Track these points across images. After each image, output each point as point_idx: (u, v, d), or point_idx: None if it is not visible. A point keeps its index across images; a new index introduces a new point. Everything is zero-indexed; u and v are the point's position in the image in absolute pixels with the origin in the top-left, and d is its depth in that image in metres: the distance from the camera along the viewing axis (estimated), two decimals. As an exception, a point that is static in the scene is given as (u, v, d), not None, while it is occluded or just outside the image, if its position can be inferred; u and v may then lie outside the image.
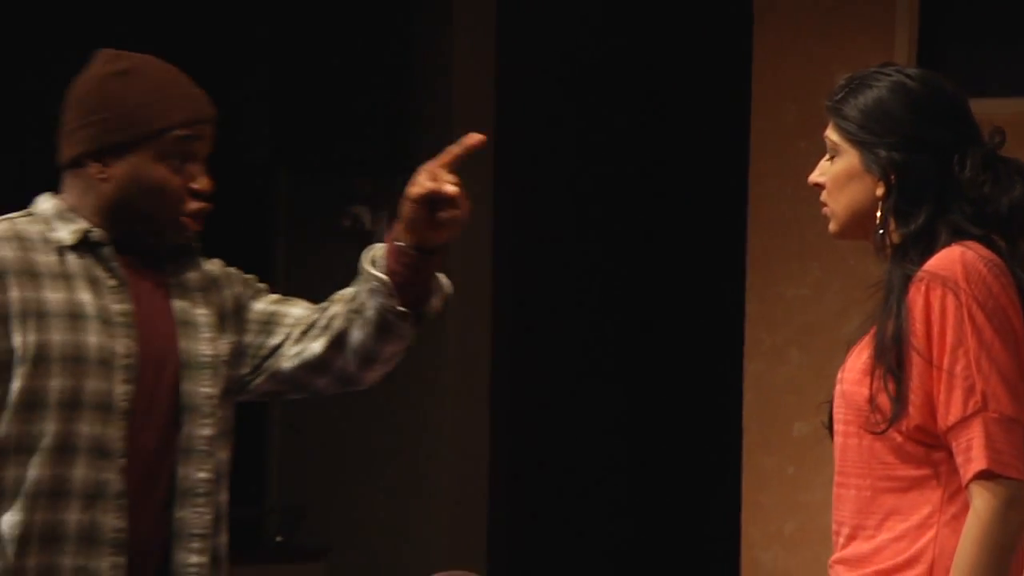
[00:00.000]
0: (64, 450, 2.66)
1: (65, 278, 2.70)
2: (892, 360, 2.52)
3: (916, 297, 2.52)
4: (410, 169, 6.13)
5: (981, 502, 2.47)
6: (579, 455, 7.16)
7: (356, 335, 2.87)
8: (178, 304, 2.82)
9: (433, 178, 2.81)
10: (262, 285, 2.99)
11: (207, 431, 2.82)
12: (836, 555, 2.64)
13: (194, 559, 2.79)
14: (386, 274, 2.84)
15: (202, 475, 2.82)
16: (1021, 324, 2.55)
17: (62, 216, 2.74)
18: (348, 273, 6.62)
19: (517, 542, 6.57)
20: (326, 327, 2.92)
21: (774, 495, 5.41)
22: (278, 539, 6.40)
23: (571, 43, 7.09)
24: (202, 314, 2.84)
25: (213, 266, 2.94)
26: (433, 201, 2.81)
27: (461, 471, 6.26)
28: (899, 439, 2.54)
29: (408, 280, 2.83)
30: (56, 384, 2.66)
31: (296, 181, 6.43)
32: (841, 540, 2.63)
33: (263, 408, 6.45)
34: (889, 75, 2.63)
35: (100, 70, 2.79)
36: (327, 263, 6.36)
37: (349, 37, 6.01)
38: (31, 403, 2.65)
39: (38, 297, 2.67)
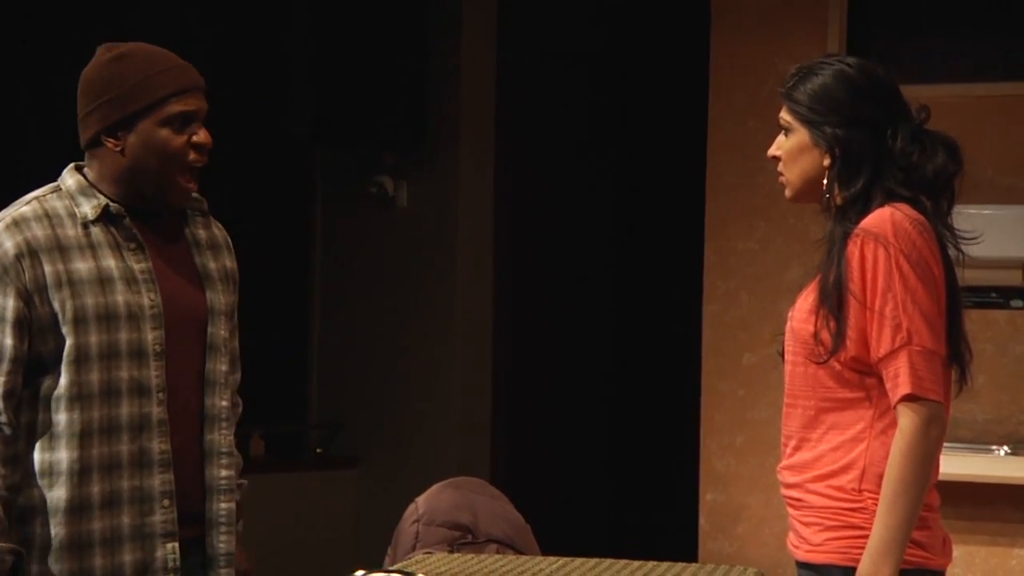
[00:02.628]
0: (110, 393, 2.65)
1: (91, 248, 2.68)
2: (834, 303, 2.54)
3: (853, 250, 2.53)
4: (427, 143, 6.20)
5: (906, 420, 2.49)
6: (567, 378, 7.18)
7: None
8: (198, 259, 2.81)
9: None
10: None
11: (224, 367, 2.81)
12: (784, 462, 2.66)
13: (223, 473, 2.78)
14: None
15: (224, 403, 2.80)
16: (941, 272, 2.57)
17: (84, 192, 2.72)
18: (374, 234, 6.67)
19: (514, 454, 6.60)
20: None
21: (727, 413, 5.43)
22: (318, 450, 6.42)
23: (564, 36, 7.08)
24: (216, 268, 2.84)
25: (219, 231, 2.91)
26: None
27: (469, 396, 6.28)
28: (838, 367, 2.56)
29: None
30: (95, 340, 2.64)
31: (330, 155, 6.42)
32: (788, 450, 2.65)
33: (307, 343, 6.46)
34: (832, 64, 2.64)
35: (99, 60, 2.76)
36: (356, 225, 6.37)
37: (377, 32, 5.99)
38: (78, 358, 2.63)
39: (68, 268, 2.65)
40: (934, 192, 2.60)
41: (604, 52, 7.41)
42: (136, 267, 2.70)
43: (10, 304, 2.61)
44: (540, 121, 6.87)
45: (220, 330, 2.80)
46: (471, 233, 6.27)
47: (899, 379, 2.49)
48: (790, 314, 2.65)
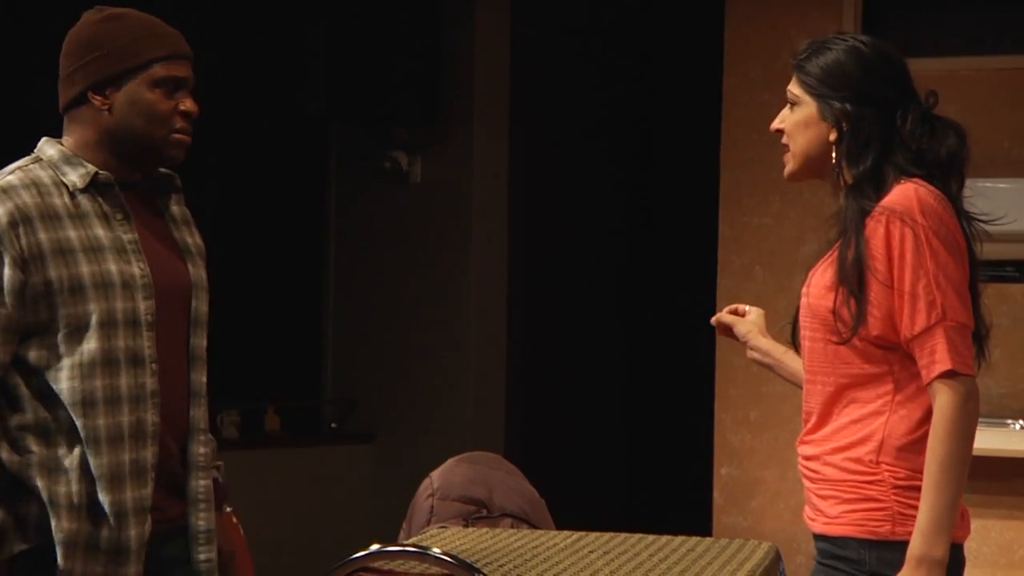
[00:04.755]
0: (110, 363, 2.62)
1: (80, 217, 2.64)
2: (854, 282, 2.52)
3: (876, 228, 2.51)
4: (442, 119, 6.19)
5: (945, 398, 2.47)
6: (582, 353, 7.19)
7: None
8: (176, 233, 2.79)
9: None
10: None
11: (204, 342, 2.79)
12: (804, 437, 2.65)
13: (202, 450, 2.76)
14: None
15: (203, 378, 2.78)
16: (966, 243, 2.56)
17: (68, 161, 2.68)
18: (389, 210, 6.66)
19: (529, 429, 6.61)
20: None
21: (741, 387, 5.42)
22: (333, 426, 6.43)
23: (578, 10, 7.07)
24: (194, 244, 2.82)
25: (187, 210, 2.87)
26: None
27: (484, 371, 6.29)
28: (859, 344, 2.55)
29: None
30: (93, 308, 2.61)
31: (346, 130, 6.42)
32: (808, 425, 2.64)
33: (322, 318, 6.47)
34: (846, 40, 2.62)
35: (88, 19, 2.73)
36: (371, 200, 6.37)
37: (392, 7, 5.98)
38: (77, 326, 2.60)
39: (61, 236, 2.62)
40: (946, 174, 2.59)
41: (619, 26, 7.39)
42: (124, 237, 2.68)
43: (5, 272, 2.58)
44: (554, 95, 6.86)
45: (203, 304, 2.78)
46: (485, 208, 6.26)
47: (936, 355, 2.47)
48: (805, 290, 2.64)
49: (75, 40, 2.71)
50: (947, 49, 5.25)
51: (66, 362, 2.60)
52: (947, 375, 2.47)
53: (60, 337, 2.61)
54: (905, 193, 2.52)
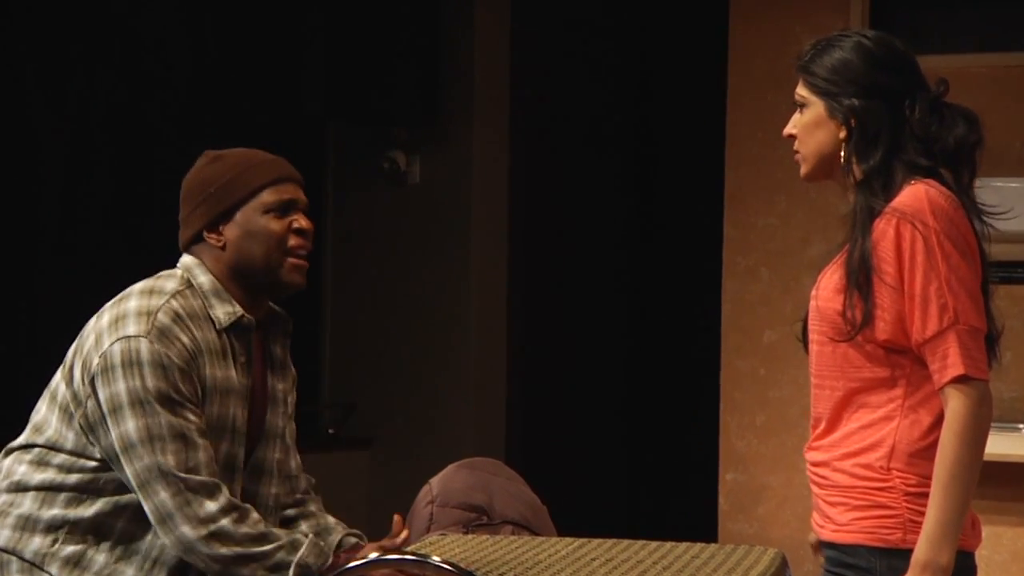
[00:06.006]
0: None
1: (223, 356, 2.73)
2: (861, 280, 2.51)
3: (886, 230, 2.50)
4: (440, 118, 6.17)
5: (958, 402, 2.46)
6: (584, 356, 7.17)
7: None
8: (270, 380, 2.87)
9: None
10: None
11: (275, 490, 2.90)
12: (812, 442, 2.63)
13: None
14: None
15: (271, 490, 2.93)
16: (977, 243, 2.54)
17: (219, 295, 2.75)
18: (387, 211, 6.64)
19: (530, 433, 6.59)
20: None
21: (747, 391, 5.41)
22: (330, 431, 6.42)
23: (580, 5, 7.06)
24: (283, 390, 2.90)
25: (288, 352, 2.97)
26: None
27: (484, 375, 6.27)
28: (868, 348, 2.53)
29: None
30: (213, 446, 2.72)
31: (343, 129, 6.40)
32: (818, 431, 2.63)
33: (319, 322, 6.46)
34: (850, 36, 2.62)
35: (199, 165, 2.82)
36: (368, 202, 6.36)
37: (389, 5, 5.97)
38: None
39: (215, 374, 2.71)
40: (956, 164, 2.57)
41: (622, 22, 7.38)
42: (242, 382, 2.77)
43: (187, 390, 2.67)
44: (556, 94, 6.84)
45: (272, 453, 2.87)
46: (485, 210, 6.25)
47: (948, 360, 2.46)
48: (814, 293, 2.63)
49: (188, 185, 2.80)
50: (956, 46, 5.24)
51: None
52: (960, 379, 2.46)
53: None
54: (915, 195, 2.50)
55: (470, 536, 3.44)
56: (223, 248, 2.75)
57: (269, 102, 6.07)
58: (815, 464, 2.62)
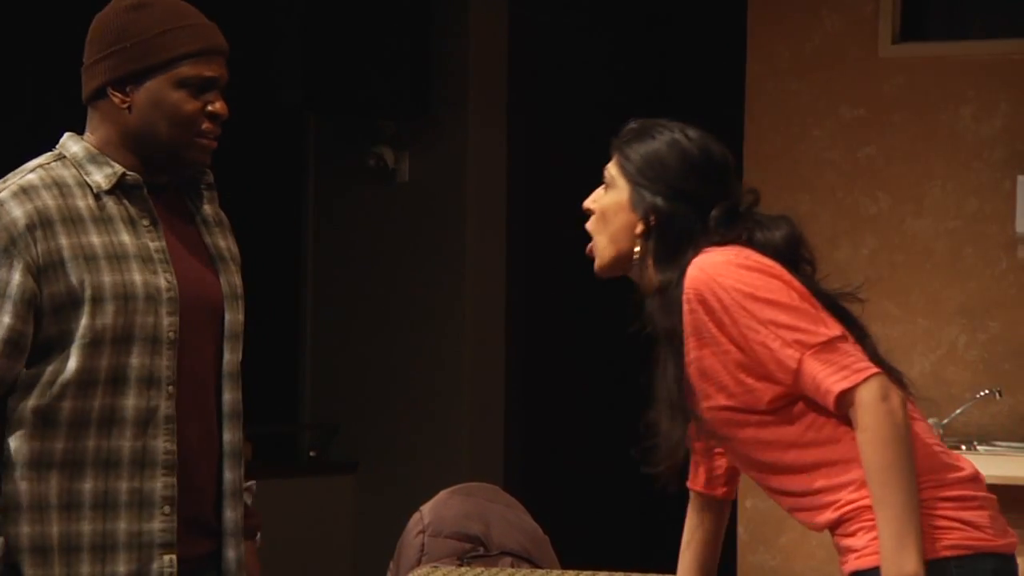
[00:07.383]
0: (116, 381, 2.64)
1: (105, 221, 2.67)
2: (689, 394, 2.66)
3: (694, 319, 2.60)
4: (432, 110, 6.18)
5: (855, 414, 2.52)
6: (588, 370, 7.17)
7: None
8: (208, 239, 2.81)
9: None
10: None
11: (240, 356, 2.82)
12: (801, 519, 2.72)
13: (236, 475, 2.79)
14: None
15: (238, 397, 2.82)
16: (781, 267, 2.60)
17: (94, 159, 2.70)
18: (373, 212, 6.66)
19: (530, 456, 6.60)
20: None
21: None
22: (311, 454, 6.43)
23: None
24: (228, 248, 2.84)
25: (220, 209, 2.89)
26: None
27: (480, 393, 6.28)
28: (770, 417, 2.60)
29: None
30: (111, 322, 2.63)
31: (324, 122, 6.41)
32: (802, 515, 2.72)
33: (298, 334, 6.47)
34: (671, 131, 2.75)
35: (116, 6, 2.74)
36: (353, 202, 6.37)
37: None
38: (93, 340, 2.62)
39: (83, 242, 2.64)
40: (790, 259, 2.64)
41: (629, 5, 7.39)
42: (151, 245, 2.70)
43: (15, 279, 2.60)
44: (557, 84, 6.85)
45: (238, 316, 2.82)
46: (481, 210, 6.26)
47: (821, 386, 2.52)
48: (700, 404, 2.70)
49: (99, 28, 2.73)
50: (996, 30, 5.26)
51: (75, 378, 2.62)
52: (844, 397, 2.51)
53: (72, 350, 2.62)
54: (691, 275, 2.59)
55: (465, 569, 3.45)
56: (128, 110, 2.69)
57: (240, 91, 6.06)
58: (819, 526, 2.69)
